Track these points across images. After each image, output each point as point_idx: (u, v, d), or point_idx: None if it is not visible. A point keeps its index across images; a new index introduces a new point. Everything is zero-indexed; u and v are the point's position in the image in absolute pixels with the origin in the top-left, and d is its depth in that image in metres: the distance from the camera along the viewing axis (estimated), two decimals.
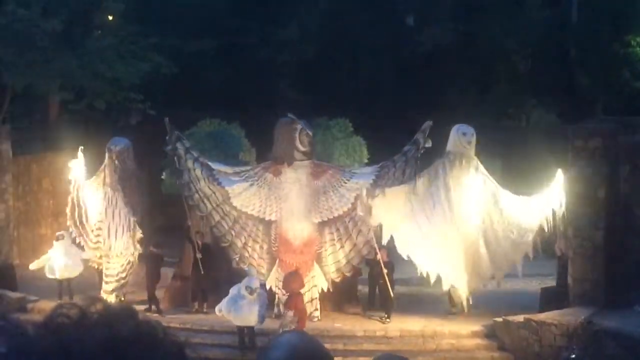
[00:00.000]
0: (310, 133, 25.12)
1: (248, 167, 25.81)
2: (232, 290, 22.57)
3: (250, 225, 25.22)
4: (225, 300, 22.52)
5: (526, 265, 30.27)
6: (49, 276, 26.37)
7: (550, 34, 38.44)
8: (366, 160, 28.01)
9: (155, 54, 32.59)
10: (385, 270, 24.23)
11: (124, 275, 26.19)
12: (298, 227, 24.90)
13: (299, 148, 25.07)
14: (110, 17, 34.20)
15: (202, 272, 25.06)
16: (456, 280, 24.48)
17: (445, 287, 24.61)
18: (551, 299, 24.51)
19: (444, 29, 36.45)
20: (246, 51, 36.68)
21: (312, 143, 25.22)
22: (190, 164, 25.21)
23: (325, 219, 24.95)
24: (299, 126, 25.04)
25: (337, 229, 24.99)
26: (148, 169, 27.58)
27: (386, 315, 24.69)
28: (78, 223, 26.75)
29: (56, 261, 26.29)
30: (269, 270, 25.11)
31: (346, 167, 26.44)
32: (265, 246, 25.18)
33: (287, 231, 24.91)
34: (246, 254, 25.25)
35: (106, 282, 26.08)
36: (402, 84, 37.45)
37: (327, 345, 2.31)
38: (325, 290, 24.98)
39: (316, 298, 24.88)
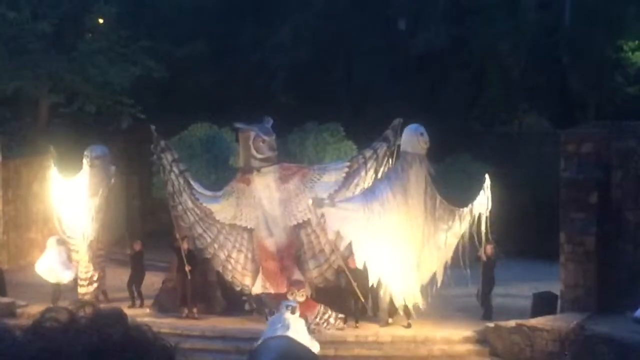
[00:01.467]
0: (268, 138, 24.65)
1: (226, 187, 25.56)
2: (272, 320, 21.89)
3: (235, 234, 25.13)
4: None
5: (518, 271, 30.33)
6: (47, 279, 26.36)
7: (543, 38, 38.42)
8: (356, 165, 27.85)
9: (146, 58, 32.51)
10: (351, 276, 23.98)
11: (96, 277, 26.25)
12: (274, 233, 24.79)
13: (255, 156, 24.80)
14: (101, 21, 34.08)
15: (189, 278, 24.98)
16: (408, 290, 24.12)
17: (398, 301, 24.15)
18: (543, 304, 24.43)
19: (436, 32, 36.40)
20: (238, 55, 36.59)
21: (273, 147, 24.74)
22: (173, 176, 25.15)
23: (301, 221, 24.77)
24: (252, 134, 24.76)
25: (314, 231, 24.79)
26: (139, 174, 27.49)
27: (355, 321, 24.53)
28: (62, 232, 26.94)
29: (50, 264, 26.23)
30: (254, 278, 24.99)
31: (315, 165, 26.23)
32: (249, 255, 25.09)
33: (263, 238, 24.86)
34: (229, 266, 25.13)
35: (80, 286, 26.23)
36: (395, 87, 37.37)
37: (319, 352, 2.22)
38: (310, 296, 24.74)
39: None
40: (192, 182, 25.26)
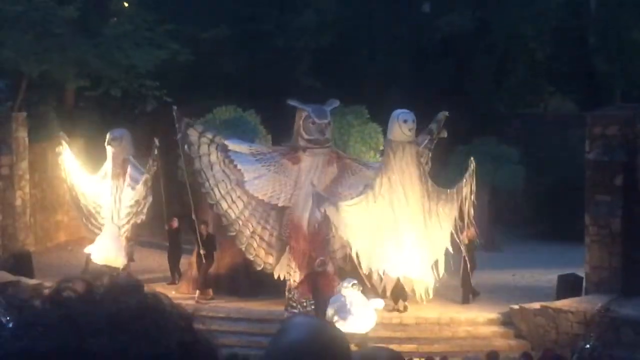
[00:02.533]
0: (319, 121, 24.57)
1: (264, 149, 25.61)
2: (335, 301, 22.15)
3: (261, 211, 24.98)
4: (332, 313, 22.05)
5: (544, 253, 30.32)
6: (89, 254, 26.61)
7: (568, 20, 38.23)
8: (382, 148, 27.86)
9: (171, 41, 32.53)
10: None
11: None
12: (311, 214, 24.67)
13: (302, 135, 24.82)
14: (126, 4, 34.19)
15: (204, 262, 25.20)
16: (420, 275, 24.02)
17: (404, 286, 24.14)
18: (568, 286, 24.40)
19: (461, 16, 36.25)
20: (262, 38, 36.58)
21: (323, 131, 24.62)
22: (204, 149, 25.01)
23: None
24: (303, 114, 24.76)
25: None
26: (164, 156, 27.56)
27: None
28: (86, 211, 27.27)
29: (99, 247, 26.47)
30: (278, 258, 24.95)
31: (363, 160, 26.28)
32: (275, 233, 25.00)
33: (300, 218, 24.71)
34: (254, 244, 24.99)
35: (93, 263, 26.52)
36: (419, 70, 37.30)
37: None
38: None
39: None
40: (227, 142, 25.12)
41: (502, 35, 37.77)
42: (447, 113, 24.76)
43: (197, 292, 25.41)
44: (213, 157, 25.01)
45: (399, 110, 24.60)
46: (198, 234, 25.43)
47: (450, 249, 24.11)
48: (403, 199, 23.74)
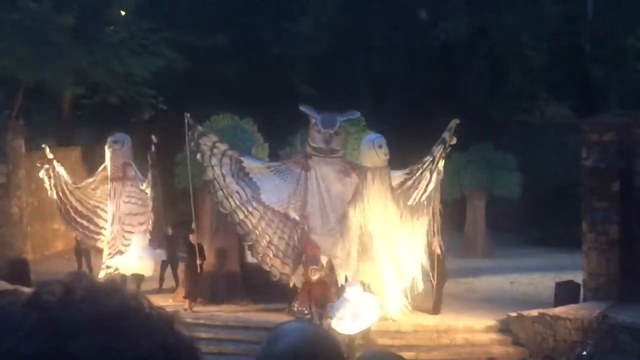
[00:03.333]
0: (324, 130, 24.36)
1: (279, 162, 25.56)
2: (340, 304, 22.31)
3: (277, 221, 24.77)
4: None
5: (541, 260, 30.34)
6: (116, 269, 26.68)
7: (564, 27, 38.27)
8: None
9: (168, 49, 32.57)
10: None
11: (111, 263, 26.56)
12: (324, 223, 24.60)
13: (309, 143, 24.84)
14: (123, 12, 34.16)
15: (199, 272, 25.19)
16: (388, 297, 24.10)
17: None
18: (566, 293, 24.39)
19: (457, 23, 36.30)
20: (259, 46, 36.63)
21: (328, 140, 24.35)
22: (215, 160, 24.86)
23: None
24: (312, 120, 24.76)
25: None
26: (161, 164, 27.57)
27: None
28: (69, 219, 27.41)
29: (127, 256, 26.45)
30: (294, 268, 24.84)
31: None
32: (291, 243, 24.85)
33: (314, 227, 24.61)
34: (270, 254, 24.86)
35: (101, 269, 26.50)
36: (416, 78, 37.33)
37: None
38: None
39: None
40: (241, 158, 25.02)
41: (498, 42, 37.82)
42: (458, 121, 24.66)
43: (188, 301, 25.26)
44: (226, 169, 24.82)
45: (371, 136, 24.71)
46: (195, 245, 25.36)
47: (425, 263, 24.14)
48: (380, 223, 23.75)
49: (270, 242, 24.79)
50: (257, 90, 34.70)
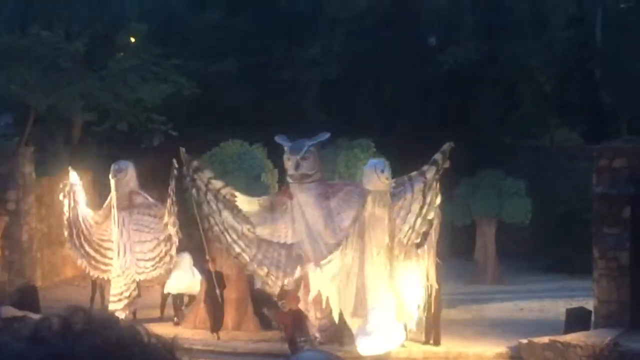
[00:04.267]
0: (292, 156, 24.18)
1: (268, 198, 25.48)
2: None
3: (272, 251, 24.88)
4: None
5: (552, 286, 30.22)
6: (167, 291, 26.68)
7: (574, 53, 38.28)
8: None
9: (178, 75, 32.66)
10: None
11: (127, 294, 26.43)
12: (313, 248, 24.53)
13: (286, 172, 24.86)
14: (133, 39, 34.30)
15: (220, 301, 25.11)
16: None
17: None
18: (577, 320, 24.28)
19: (466, 49, 36.33)
20: (269, 72, 36.70)
21: (297, 166, 24.18)
22: (211, 195, 24.84)
23: (341, 240, 24.34)
24: (286, 149, 24.72)
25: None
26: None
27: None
28: (78, 244, 27.19)
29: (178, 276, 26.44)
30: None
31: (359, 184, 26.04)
32: (288, 270, 24.96)
33: (307, 253, 24.55)
34: (269, 282, 24.93)
35: (111, 302, 26.34)
36: (425, 103, 37.36)
37: None
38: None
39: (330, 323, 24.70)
40: (234, 193, 25.01)
41: (508, 67, 37.82)
42: (452, 144, 24.49)
43: (216, 334, 25.22)
44: (221, 204, 24.87)
45: (373, 161, 24.67)
46: (212, 274, 25.28)
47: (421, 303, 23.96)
48: (374, 248, 23.64)
49: (268, 272, 24.89)
50: (267, 115, 34.73)
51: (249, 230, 24.83)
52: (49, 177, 30.66)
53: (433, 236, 24.04)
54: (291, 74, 36.67)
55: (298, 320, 23.63)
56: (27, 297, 27.42)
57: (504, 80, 38.51)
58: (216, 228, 24.92)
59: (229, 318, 25.68)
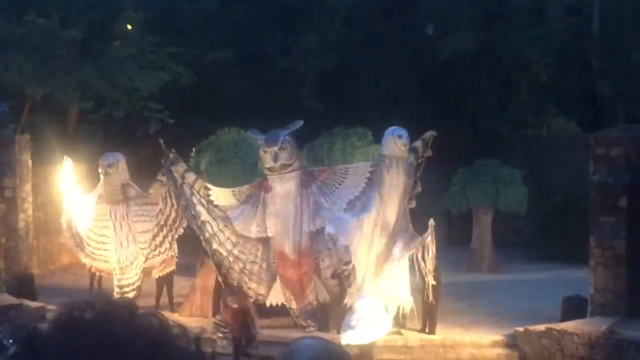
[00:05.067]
0: (268, 148, 24.20)
1: (244, 188, 25.45)
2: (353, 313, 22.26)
3: (249, 247, 24.93)
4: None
5: (548, 275, 30.26)
6: None
7: (571, 43, 38.27)
8: None
9: (175, 64, 32.63)
10: None
11: (139, 283, 26.47)
12: (292, 240, 24.57)
13: (263, 164, 24.81)
14: (130, 27, 34.26)
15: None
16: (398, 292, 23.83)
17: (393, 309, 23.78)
18: (573, 308, 24.31)
19: (464, 38, 36.32)
20: (266, 61, 36.69)
21: (275, 158, 24.15)
22: (187, 188, 24.88)
23: (320, 228, 24.43)
24: (260, 142, 24.68)
25: (332, 238, 24.56)
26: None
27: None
28: (70, 235, 27.08)
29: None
30: (269, 287, 24.97)
31: (339, 166, 26.00)
32: (264, 265, 24.94)
33: (283, 245, 24.60)
34: (245, 278, 24.99)
35: (125, 293, 26.17)
36: (423, 93, 37.35)
37: None
38: (327, 301, 24.78)
39: (314, 310, 24.72)
40: (208, 185, 25.03)
41: (505, 57, 37.83)
42: (434, 133, 24.46)
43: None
44: (196, 198, 24.87)
45: (393, 127, 24.61)
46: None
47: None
48: (391, 214, 23.61)
49: (243, 267, 24.95)
50: (264, 105, 34.72)
51: (225, 226, 24.86)
52: (45, 165, 30.63)
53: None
54: (288, 64, 36.67)
55: (246, 318, 23.42)
56: (24, 285, 27.42)
57: (501, 70, 38.52)
58: (193, 222, 25.03)
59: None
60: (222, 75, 36.03)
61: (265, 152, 24.35)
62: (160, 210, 25.78)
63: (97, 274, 27.93)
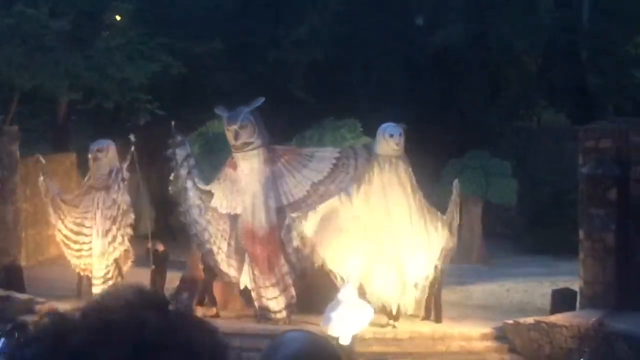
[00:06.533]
0: (229, 127, 24.57)
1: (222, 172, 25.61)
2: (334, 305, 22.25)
3: (222, 224, 25.13)
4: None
5: (537, 267, 30.31)
6: None
7: (561, 35, 38.30)
8: None
9: (164, 55, 32.54)
10: None
11: (109, 276, 26.22)
12: (259, 217, 24.76)
13: (229, 142, 25.00)
14: (119, 18, 34.14)
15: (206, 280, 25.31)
16: (386, 291, 23.95)
17: (375, 301, 23.78)
18: (562, 300, 24.35)
19: (454, 30, 36.29)
20: (256, 52, 36.60)
21: (236, 136, 24.47)
22: (184, 171, 25.11)
23: (286, 203, 24.77)
24: (224, 121, 24.92)
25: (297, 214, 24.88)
26: (155, 170, 27.55)
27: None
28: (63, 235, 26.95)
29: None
30: (239, 269, 25.04)
31: (305, 149, 26.10)
32: (232, 243, 25.08)
33: (250, 222, 24.81)
34: (219, 258, 25.11)
35: (94, 285, 26.02)
36: (413, 84, 37.33)
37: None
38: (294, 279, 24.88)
39: (289, 287, 24.75)
40: (197, 181, 25.22)
41: (495, 49, 37.83)
42: (405, 126, 24.61)
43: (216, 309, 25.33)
44: (190, 183, 25.10)
45: (385, 124, 24.58)
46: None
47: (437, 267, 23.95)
48: (382, 214, 23.61)
49: (219, 247, 25.12)
50: (253, 96, 34.52)
51: (207, 209, 25.05)
52: (33, 156, 30.50)
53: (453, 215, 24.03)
54: (278, 55, 36.59)
55: (194, 286, 24.26)
56: (12, 277, 27.32)
57: (491, 62, 38.54)
58: (184, 204, 25.26)
59: (216, 298, 25.71)
60: (211, 65, 35.94)
61: (228, 130, 24.70)
62: (114, 201, 25.80)
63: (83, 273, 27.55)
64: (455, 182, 24.21)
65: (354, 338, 21.84)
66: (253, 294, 24.83)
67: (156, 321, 1.69)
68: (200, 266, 25.40)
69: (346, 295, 22.13)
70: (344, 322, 21.59)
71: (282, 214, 24.74)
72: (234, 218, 25.07)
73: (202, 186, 25.13)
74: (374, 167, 23.76)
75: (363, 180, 23.79)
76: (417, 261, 23.80)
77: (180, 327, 1.72)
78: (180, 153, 25.22)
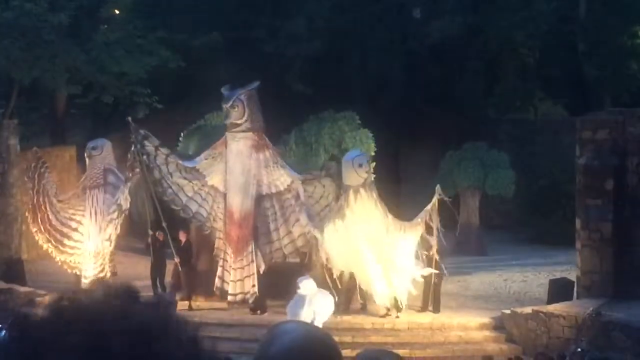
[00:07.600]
0: (224, 105, 24.88)
1: (216, 144, 25.60)
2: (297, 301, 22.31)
3: (219, 200, 25.23)
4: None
5: (535, 257, 30.41)
6: None
7: (558, 26, 38.33)
8: (373, 153, 27.91)
9: (163, 48, 32.57)
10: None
11: (102, 275, 26.06)
12: (239, 199, 24.91)
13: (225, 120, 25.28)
14: (117, 11, 34.17)
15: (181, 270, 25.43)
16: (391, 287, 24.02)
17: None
18: (560, 290, 24.46)
19: (451, 21, 36.33)
20: (254, 45, 36.61)
21: (229, 116, 24.79)
22: (161, 160, 25.02)
23: (264, 194, 24.91)
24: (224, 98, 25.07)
25: (273, 206, 24.98)
26: None
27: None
28: (43, 229, 26.70)
29: None
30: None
31: (279, 156, 26.11)
32: (219, 215, 25.29)
33: (231, 203, 24.97)
34: (220, 236, 25.26)
35: (83, 285, 25.92)
36: (410, 76, 37.37)
37: (335, 338, 2.29)
38: (261, 270, 24.89)
39: (253, 274, 24.82)
40: (180, 161, 25.22)
41: (492, 40, 37.87)
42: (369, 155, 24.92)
43: (189, 301, 25.33)
44: (172, 167, 25.06)
45: (351, 154, 24.62)
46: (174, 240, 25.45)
47: (419, 277, 23.96)
48: (363, 238, 23.62)
49: (221, 225, 25.16)
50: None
51: (203, 185, 25.12)
52: (32, 150, 30.53)
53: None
54: (275, 48, 36.61)
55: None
56: (13, 270, 27.41)
57: (488, 54, 38.58)
58: (169, 191, 25.17)
59: (202, 289, 25.75)
60: (209, 58, 35.95)
61: (223, 108, 25.05)
62: (114, 201, 25.77)
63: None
64: (437, 187, 24.09)
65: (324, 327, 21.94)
66: (218, 271, 24.91)
67: (118, 309, 1.71)
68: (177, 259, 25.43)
69: (307, 288, 22.01)
70: (313, 314, 21.54)
71: (259, 203, 24.85)
72: (223, 195, 25.24)
73: (188, 164, 25.14)
74: (348, 198, 23.64)
75: (338, 215, 23.71)
76: (403, 266, 23.88)
77: (140, 312, 1.73)
78: (149, 144, 25.05)
